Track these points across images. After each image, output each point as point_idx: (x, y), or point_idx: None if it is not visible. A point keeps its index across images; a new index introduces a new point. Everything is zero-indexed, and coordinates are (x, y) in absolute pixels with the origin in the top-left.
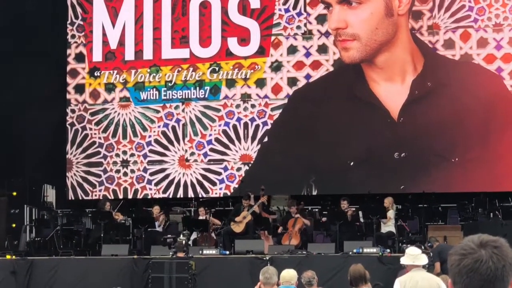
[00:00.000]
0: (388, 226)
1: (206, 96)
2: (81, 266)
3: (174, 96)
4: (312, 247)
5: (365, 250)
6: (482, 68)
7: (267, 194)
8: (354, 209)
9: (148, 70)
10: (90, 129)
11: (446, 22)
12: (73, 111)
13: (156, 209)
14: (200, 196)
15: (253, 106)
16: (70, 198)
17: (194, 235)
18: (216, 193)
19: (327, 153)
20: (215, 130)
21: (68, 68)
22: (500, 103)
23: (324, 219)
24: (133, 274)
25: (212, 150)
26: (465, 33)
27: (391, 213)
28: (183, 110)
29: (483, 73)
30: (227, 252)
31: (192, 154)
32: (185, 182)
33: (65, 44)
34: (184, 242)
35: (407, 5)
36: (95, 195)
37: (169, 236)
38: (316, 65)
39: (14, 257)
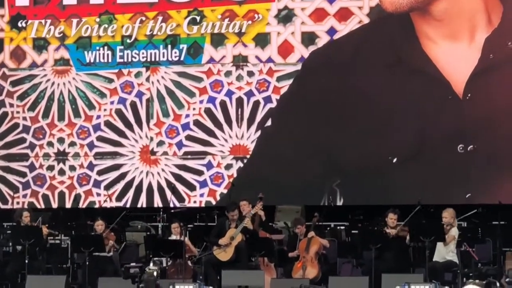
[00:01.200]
0: (448, 253)
1: (182, 58)
2: None
3: (135, 58)
4: (335, 281)
5: (413, 287)
6: None
7: (268, 204)
8: (404, 227)
9: (97, 20)
10: (11, 105)
11: None
12: None
13: (99, 226)
14: (172, 206)
15: (250, 74)
16: None
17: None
18: (195, 202)
19: (358, 145)
20: (194, 108)
21: None
22: None
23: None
24: None
25: (189, 138)
26: None
27: (454, 231)
28: (147, 79)
29: None
30: None
31: (161, 144)
32: (150, 185)
33: None
34: (156, 273)
35: None
36: (17, 203)
37: (132, 264)
38: (344, 14)
39: None
